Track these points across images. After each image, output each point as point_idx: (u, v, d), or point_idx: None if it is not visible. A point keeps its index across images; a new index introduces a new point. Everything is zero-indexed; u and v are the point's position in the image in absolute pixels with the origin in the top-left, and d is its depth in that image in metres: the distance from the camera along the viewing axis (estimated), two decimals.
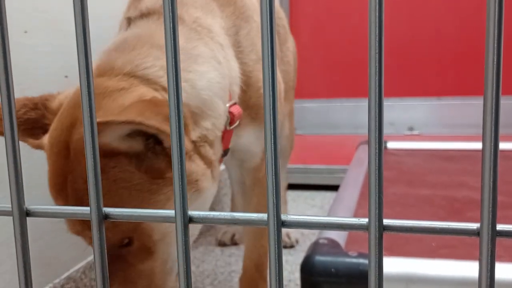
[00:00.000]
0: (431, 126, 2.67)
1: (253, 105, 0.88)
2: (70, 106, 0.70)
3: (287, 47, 1.47)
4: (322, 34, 2.79)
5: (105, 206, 0.37)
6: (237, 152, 0.95)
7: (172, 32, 0.32)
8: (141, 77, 0.71)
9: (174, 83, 0.33)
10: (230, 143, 0.86)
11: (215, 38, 0.81)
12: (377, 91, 0.30)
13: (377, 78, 0.30)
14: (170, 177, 0.68)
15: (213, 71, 0.77)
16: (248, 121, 0.89)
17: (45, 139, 0.71)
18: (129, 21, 0.81)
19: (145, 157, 0.67)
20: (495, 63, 0.28)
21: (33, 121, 0.74)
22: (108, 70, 0.71)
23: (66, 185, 0.66)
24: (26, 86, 0.96)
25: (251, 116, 0.89)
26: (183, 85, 0.72)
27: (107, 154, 0.63)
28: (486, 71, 0.28)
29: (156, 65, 0.72)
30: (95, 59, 0.74)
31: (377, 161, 0.30)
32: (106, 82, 0.69)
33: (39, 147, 0.74)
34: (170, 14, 0.32)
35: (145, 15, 0.80)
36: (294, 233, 1.64)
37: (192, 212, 0.35)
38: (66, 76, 1.07)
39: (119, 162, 0.65)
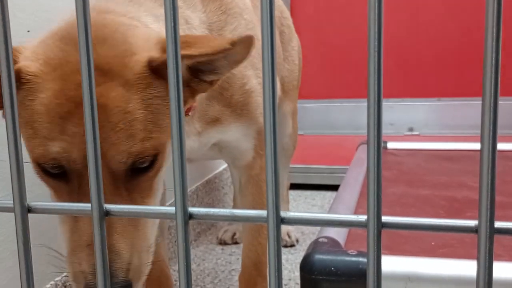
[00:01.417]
0: (430, 127, 2.67)
1: (236, 102, 0.89)
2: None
3: (292, 46, 1.47)
4: (322, 35, 2.80)
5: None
6: (224, 148, 0.96)
7: (173, 33, 0.33)
8: (142, 23, 0.73)
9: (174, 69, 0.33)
10: (214, 139, 0.89)
11: (191, 29, 0.82)
12: (376, 91, 0.30)
13: (376, 78, 0.30)
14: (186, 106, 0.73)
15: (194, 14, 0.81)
16: (232, 119, 0.90)
17: (27, 62, 0.65)
18: None
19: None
20: (493, 64, 0.28)
21: None
22: (111, 12, 0.72)
23: (74, 116, 0.61)
24: None
25: (236, 113, 0.90)
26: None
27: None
28: (484, 73, 0.28)
29: (149, 15, 0.75)
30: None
31: (376, 158, 0.31)
32: (117, 18, 0.70)
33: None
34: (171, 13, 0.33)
35: None
36: (294, 232, 1.65)
37: (192, 209, 0.35)
38: None
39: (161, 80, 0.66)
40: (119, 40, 0.65)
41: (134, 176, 0.64)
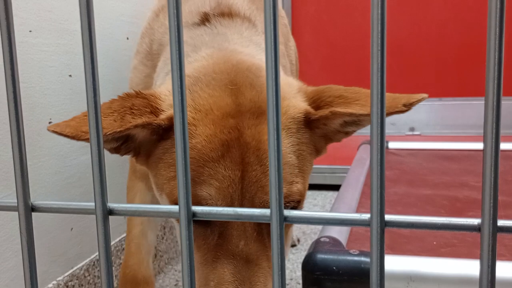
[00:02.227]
0: (432, 127, 2.67)
1: None
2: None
3: (289, 46, 1.48)
4: (324, 34, 2.80)
5: None
6: None
7: (177, 40, 0.33)
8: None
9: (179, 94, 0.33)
10: None
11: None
12: (379, 91, 0.30)
13: (379, 78, 0.30)
14: (320, 155, 0.75)
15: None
16: None
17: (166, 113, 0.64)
18: (207, 16, 0.81)
19: (319, 135, 0.70)
20: (496, 64, 0.28)
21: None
22: (241, 53, 0.74)
23: (226, 159, 0.61)
24: (30, 84, 0.97)
25: None
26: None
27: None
28: (487, 72, 0.28)
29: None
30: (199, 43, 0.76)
31: (379, 156, 0.31)
32: (253, 60, 0.71)
33: (151, 125, 0.63)
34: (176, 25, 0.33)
35: (228, 15, 0.81)
36: (295, 232, 1.65)
37: (195, 208, 0.35)
38: (70, 75, 1.08)
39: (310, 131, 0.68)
40: (264, 85, 0.65)
41: None
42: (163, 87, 0.69)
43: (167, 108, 0.64)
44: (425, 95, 0.62)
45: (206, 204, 0.60)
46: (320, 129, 0.68)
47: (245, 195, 0.61)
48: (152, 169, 0.68)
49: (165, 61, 0.83)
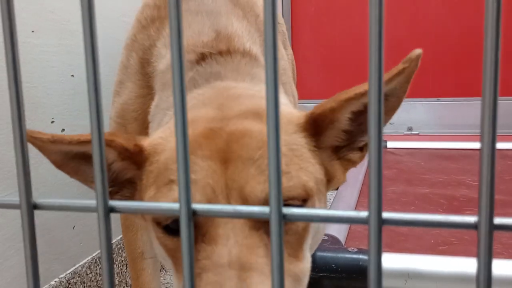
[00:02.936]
0: (430, 126, 2.68)
1: None
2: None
3: (286, 53, 1.47)
4: (322, 35, 2.80)
5: None
6: None
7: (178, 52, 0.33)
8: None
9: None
10: None
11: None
12: (376, 91, 0.31)
13: (376, 78, 0.31)
14: (334, 183, 0.67)
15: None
16: None
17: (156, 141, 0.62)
18: (202, 55, 0.77)
19: (328, 154, 0.65)
20: (492, 65, 0.28)
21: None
22: (234, 87, 0.71)
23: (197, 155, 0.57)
24: (33, 84, 0.97)
25: None
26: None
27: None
28: (484, 72, 0.29)
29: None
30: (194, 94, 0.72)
31: (376, 153, 0.31)
32: (250, 99, 0.67)
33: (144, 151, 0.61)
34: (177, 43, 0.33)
35: (226, 53, 0.78)
36: None
37: (195, 205, 0.35)
38: (72, 75, 1.08)
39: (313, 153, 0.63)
40: (261, 135, 0.61)
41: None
42: (154, 135, 0.66)
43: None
44: (418, 50, 0.58)
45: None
46: (328, 135, 0.64)
47: (232, 186, 0.55)
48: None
49: (157, 106, 0.79)
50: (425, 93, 2.69)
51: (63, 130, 1.05)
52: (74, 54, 1.08)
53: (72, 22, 1.06)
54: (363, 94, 0.59)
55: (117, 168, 0.63)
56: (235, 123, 0.58)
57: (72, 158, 0.62)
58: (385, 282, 0.34)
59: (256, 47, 0.82)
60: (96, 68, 0.36)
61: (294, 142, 0.61)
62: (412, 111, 2.70)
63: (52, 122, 1.02)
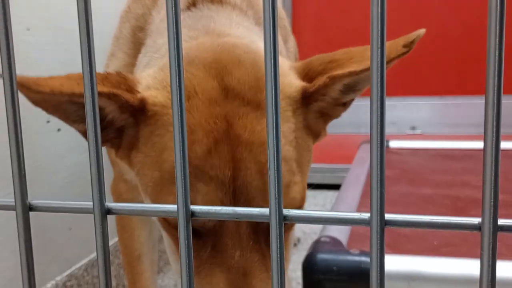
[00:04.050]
0: (433, 126, 2.67)
1: None
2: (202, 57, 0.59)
3: (288, 47, 1.47)
4: (324, 33, 2.79)
5: None
6: None
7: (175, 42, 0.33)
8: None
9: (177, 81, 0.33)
10: None
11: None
12: (378, 90, 0.30)
13: (379, 76, 0.30)
14: (319, 139, 0.67)
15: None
16: None
17: (153, 92, 0.56)
18: (193, 1, 0.74)
19: (314, 115, 0.62)
20: (496, 62, 0.28)
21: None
22: (229, 35, 0.67)
23: (213, 156, 0.53)
24: None
25: None
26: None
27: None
28: (487, 71, 0.28)
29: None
30: (184, 28, 0.68)
31: (379, 154, 0.31)
32: (243, 40, 0.66)
33: (140, 102, 0.55)
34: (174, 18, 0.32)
35: (218, 2, 0.75)
36: (296, 231, 1.64)
37: (194, 207, 0.35)
38: None
39: (301, 115, 0.60)
40: (254, 62, 0.58)
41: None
42: (143, 73, 0.61)
43: (144, 90, 0.56)
44: (422, 30, 0.57)
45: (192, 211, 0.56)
46: (318, 104, 0.60)
47: (239, 199, 0.52)
48: (135, 166, 0.59)
49: (145, 53, 0.75)
50: (428, 92, 2.68)
51: (59, 130, 1.04)
52: (70, 52, 1.07)
53: (68, 20, 1.06)
54: (358, 73, 0.56)
55: (112, 117, 0.57)
56: (241, 119, 0.53)
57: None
58: (387, 284, 0.33)
59: (245, 5, 0.80)
60: (92, 65, 0.35)
61: (298, 126, 0.58)
62: (415, 110, 2.69)
63: (48, 122, 1.01)
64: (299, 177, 0.56)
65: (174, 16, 0.32)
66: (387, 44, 0.58)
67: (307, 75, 0.59)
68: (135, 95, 0.55)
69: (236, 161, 0.52)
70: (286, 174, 0.54)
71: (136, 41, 0.83)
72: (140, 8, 0.84)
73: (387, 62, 0.55)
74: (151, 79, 0.58)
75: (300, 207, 0.57)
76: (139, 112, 0.55)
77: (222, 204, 0.51)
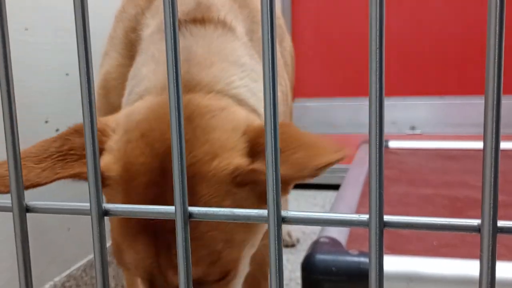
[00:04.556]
0: (433, 126, 2.67)
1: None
2: (153, 127, 0.60)
3: (284, 46, 1.47)
4: (324, 33, 2.79)
5: None
6: None
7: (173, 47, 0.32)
8: (233, 97, 0.66)
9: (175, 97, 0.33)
10: None
11: (250, 51, 0.78)
12: (377, 90, 0.30)
13: (377, 76, 0.30)
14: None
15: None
16: None
17: (109, 163, 0.59)
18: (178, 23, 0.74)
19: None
20: (496, 62, 0.28)
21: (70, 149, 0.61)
22: (196, 86, 0.65)
23: (144, 234, 0.57)
24: (26, 84, 0.96)
25: None
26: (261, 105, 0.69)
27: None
28: (487, 71, 0.28)
29: (243, 85, 0.68)
30: (161, 68, 0.68)
31: (377, 156, 0.30)
32: (203, 100, 0.62)
33: (79, 176, 0.59)
34: (171, 25, 0.32)
35: (200, 22, 0.73)
36: (295, 232, 1.64)
37: (192, 208, 0.35)
38: (67, 74, 1.07)
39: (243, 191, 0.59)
40: (198, 140, 0.58)
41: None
42: (117, 115, 0.63)
43: (107, 151, 0.59)
44: (343, 156, 0.52)
45: (131, 269, 0.59)
46: (255, 186, 0.59)
47: (167, 268, 0.57)
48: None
49: (133, 76, 0.74)
50: (428, 91, 2.68)
51: (57, 130, 1.04)
52: (68, 52, 1.07)
53: (66, 20, 1.06)
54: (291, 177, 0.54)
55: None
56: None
57: None
58: (386, 285, 0.33)
59: (233, 18, 0.78)
60: (89, 66, 0.35)
61: (236, 204, 0.58)
62: (415, 110, 2.69)
63: (46, 122, 1.01)
64: (226, 252, 0.57)
65: (171, 17, 0.32)
66: (307, 154, 0.53)
67: (253, 147, 0.58)
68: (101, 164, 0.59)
69: (158, 253, 0.56)
70: (206, 257, 0.56)
71: (128, 41, 0.83)
72: (133, 8, 0.84)
73: (298, 177, 0.53)
74: (116, 147, 0.60)
75: (229, 271, 0.59)
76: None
77: (152, 272, 0.58)
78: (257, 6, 0.88)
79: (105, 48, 0.90)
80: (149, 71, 0.69)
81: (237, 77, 0.68)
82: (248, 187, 0.58)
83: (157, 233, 0.56)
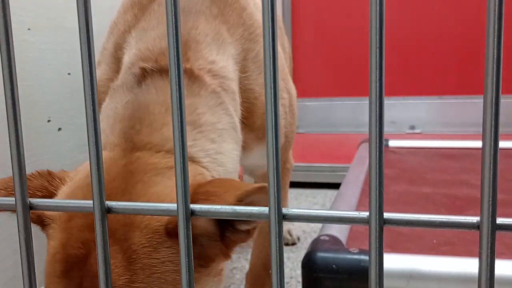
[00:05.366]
0: (432, 125, 2.67)
1: (258, 127, 0.85)
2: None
3: (283, 47, 1.47)
4: (324, 32, 2.80)
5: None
6: (245, 165, 0.96)
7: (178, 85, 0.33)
8: None
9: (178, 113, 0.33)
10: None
11: (230, 87, 0.76)
12: (377, 89, 0.30)
13: (377, 76, 0.30)
14: (215, 267, 0.62)
15: (233, 143, 0.74)
16: (256, 142, 0.86)
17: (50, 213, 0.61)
18: (144, 72, 0.72)
19: (202, 241, 0.59)
20: (495, 62, 0.28)
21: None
22: (145, 145, 0.65)
23: (69, 277, 0.57)
24: (29, 83, 0.96)
25: (257, 137, 0.86)
26: (218, 169, 0.69)
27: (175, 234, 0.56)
28: (486, 70, 0.28)
29: (195, 145, 0.68)
30: (117, 125, 0.68)
31: (377, 154, 0.31)
32: (151, 158, 0.63)
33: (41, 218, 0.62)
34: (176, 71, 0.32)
35: (166, 73, 0.72)
36: (295, 230, 1.65)
37: (194, 206, 0.35)
38: (69, 74, 1.08)
39: (176, 242, 0.56)
40: (138, 193, 0.58)
41: None
42: (78, 169, 0.65)
43: (60, 194, 0.61)
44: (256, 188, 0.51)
45: None
46: (196, 232, 0.57)
47: None
48: None
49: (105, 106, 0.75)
50: (427, 91, 2.69)
51: (59, 129, 1.04)
52: (71, 52, 1.08)
53: (69, 20, 1.06)
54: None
55: None
56: None
57: None
58: (386, 283, 0.33)
59: (214, 55, 0.76)
60: (92, 66, 0.35)
61: (161, 260, 0.56)
62: (415, 110, 2.69)
63: (49, 121, 1.01)
64: None
65: (173, 15, 0.32)
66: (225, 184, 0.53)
67: (193, 199, 0.55)
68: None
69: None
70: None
71: (116, 59, 0.83)
72: (123, 24, 0.83)
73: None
74: (65, 190, 0.62)
75: None
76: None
77: None
78: (256, 21, 0.86)
79: (98, 56, 0.89)
80: (108, 126, 0.69)
81: (191, 138, 0.67)
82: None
83: (83, 278, 0.56)
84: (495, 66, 0.28)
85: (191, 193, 0.55)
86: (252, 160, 0.90)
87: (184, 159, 0.34)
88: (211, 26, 0.78)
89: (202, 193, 0.56)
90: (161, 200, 0.57)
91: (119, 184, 0.59)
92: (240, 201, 0.51)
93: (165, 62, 0.72)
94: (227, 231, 0.59)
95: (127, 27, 0.82)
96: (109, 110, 0.73)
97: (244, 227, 0.58)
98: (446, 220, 0.32)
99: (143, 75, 0.72)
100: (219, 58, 0.77)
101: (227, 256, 0.61)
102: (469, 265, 0.69)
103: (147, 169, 0.61)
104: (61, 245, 0.57)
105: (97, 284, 0.50)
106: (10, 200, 0.39)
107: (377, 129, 0.31)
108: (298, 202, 2.01)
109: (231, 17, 0.82)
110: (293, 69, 1.97)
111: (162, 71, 0.72)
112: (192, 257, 0.36)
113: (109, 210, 0.37)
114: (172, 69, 0.33)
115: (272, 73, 0.32)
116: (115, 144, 0.66)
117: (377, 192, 0.31)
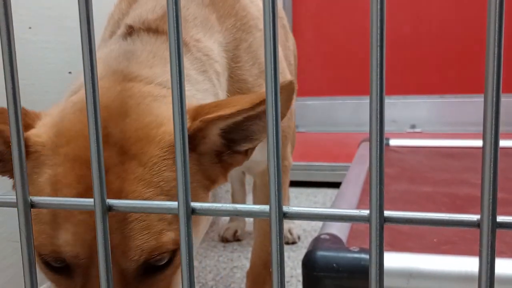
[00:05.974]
0: (433, 124, 2.67)
1: None
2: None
3: (288, 46, 1.47)
4: (324, 32, 2.80)
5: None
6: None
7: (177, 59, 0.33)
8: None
9: (178, 94, 0.33)
10: None
11: (214, 66, 0.77)
12: (378, 88, 0.30)
13: (378, 75, 0.30)
14: (217, 185, 0.63)
15: None
16: None
17: (39, 132, 0.58)
18: (131, 29, 0.73)
19: (205, 161, 0.60)
20: (495, 61, 0.28)
21: None
22: (136, 77, 0.64)
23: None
24: (30, 82, 0.97)
25: None
26: None
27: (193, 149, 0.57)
28: (486, 69, 0.28)
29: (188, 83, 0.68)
30: (101, 65, 0.67)
31: (378, 153, 0.31)
32: (143, 87, 0.63)
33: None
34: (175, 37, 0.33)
35: (153, 31, 0.73)
36: (296, 229, 1.65)
37: (195, 204, 0.35)
38: (69, 72, 1.08)
39: (192, 158, 0.57)
40: (143, 112, 0.58)
41: (148, 275, 0.55)
42: (53, 109, 0.63)
43: (39, 127, 0.58)
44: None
45: (62, 254, 0.52)
46: (204, 148, 0.59)
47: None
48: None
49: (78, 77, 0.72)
50: (428, 90, 2.69)
51: None
52: (71, 51, 1.08)
53: (70, 19, 1.06)
54: (228, 117, 0.55)
55: (1, 151, 0.58)
56: (114, 168, 0.54)
57: None
58: (387, 281, 0.33)
59: (200, 33, 0.77)
60: (93, 65, 0.35)
61: (170, 177, 0.56)
62: (415, 109, 2.70)
63: None
64: (174, 225, 0.53)
65: (174, 14, 0.32)
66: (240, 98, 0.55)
67: (195, 119, 0.57)
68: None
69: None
70: (158, 223, 0.53)
71: None
72: (117, 13, 0.83)
73: (251, 108, 0.53)
74: (49, 118, 0.60)
75: (174, 250, 0.55)
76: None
77: (90, 247, 0.51)
78: (249, 13, 0.86)
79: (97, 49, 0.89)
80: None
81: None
82: (196, 151, 0.58)
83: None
84: (495, 65, 0.28)
85: (190, 116, 0.57)
86: None
87: (185, 157, 0.34)
88: (201, 12, 0.79)
89: (204, 112, 0.56)
90: (167, 119, 0.57)
91: (118, 107, 0.58)
92: (254, 106, 0.52)
93: (154, 24, 0.73)
94: (225, 154, 0.61)
95: (121, 15, 0.82)
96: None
97: (243, 146, 0.60)
98: (447, 218, 0.32)
99: (130, 33, 0.73)
100: (205, 39, 0.78)
101: (225, 177, 0.62)
102: (470, 264, 0.69)
103: (143, 95, 0.60)
104: (67, 169, 0.53)
105: (121, 198, 0.51)
106: (11, 197, 0.39)
107: (378, 128, 0.31)
108: (298, 201, 2.01)
109: (222, 8, 0.83)
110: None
111: (150, 30, 0.73)
112: (193, 252, 0.36)
113: (110, 208, 0.37)
114: (171, 32, 0.33)
115: (272, 72, 0.32)
116: (103, 76, 0.64)
117: (377, 190, 0.31)
